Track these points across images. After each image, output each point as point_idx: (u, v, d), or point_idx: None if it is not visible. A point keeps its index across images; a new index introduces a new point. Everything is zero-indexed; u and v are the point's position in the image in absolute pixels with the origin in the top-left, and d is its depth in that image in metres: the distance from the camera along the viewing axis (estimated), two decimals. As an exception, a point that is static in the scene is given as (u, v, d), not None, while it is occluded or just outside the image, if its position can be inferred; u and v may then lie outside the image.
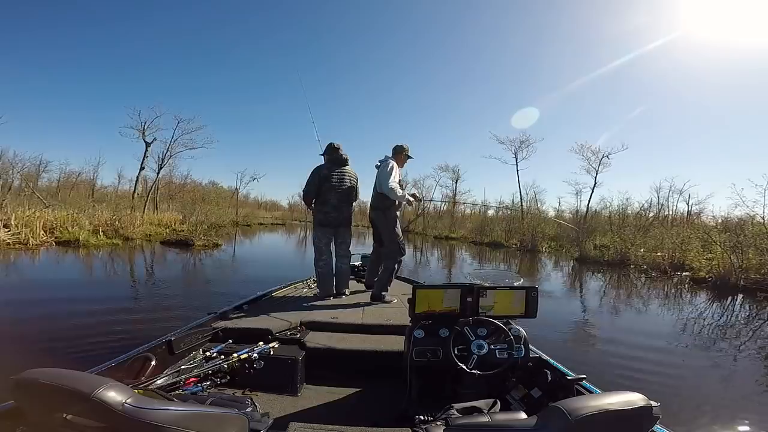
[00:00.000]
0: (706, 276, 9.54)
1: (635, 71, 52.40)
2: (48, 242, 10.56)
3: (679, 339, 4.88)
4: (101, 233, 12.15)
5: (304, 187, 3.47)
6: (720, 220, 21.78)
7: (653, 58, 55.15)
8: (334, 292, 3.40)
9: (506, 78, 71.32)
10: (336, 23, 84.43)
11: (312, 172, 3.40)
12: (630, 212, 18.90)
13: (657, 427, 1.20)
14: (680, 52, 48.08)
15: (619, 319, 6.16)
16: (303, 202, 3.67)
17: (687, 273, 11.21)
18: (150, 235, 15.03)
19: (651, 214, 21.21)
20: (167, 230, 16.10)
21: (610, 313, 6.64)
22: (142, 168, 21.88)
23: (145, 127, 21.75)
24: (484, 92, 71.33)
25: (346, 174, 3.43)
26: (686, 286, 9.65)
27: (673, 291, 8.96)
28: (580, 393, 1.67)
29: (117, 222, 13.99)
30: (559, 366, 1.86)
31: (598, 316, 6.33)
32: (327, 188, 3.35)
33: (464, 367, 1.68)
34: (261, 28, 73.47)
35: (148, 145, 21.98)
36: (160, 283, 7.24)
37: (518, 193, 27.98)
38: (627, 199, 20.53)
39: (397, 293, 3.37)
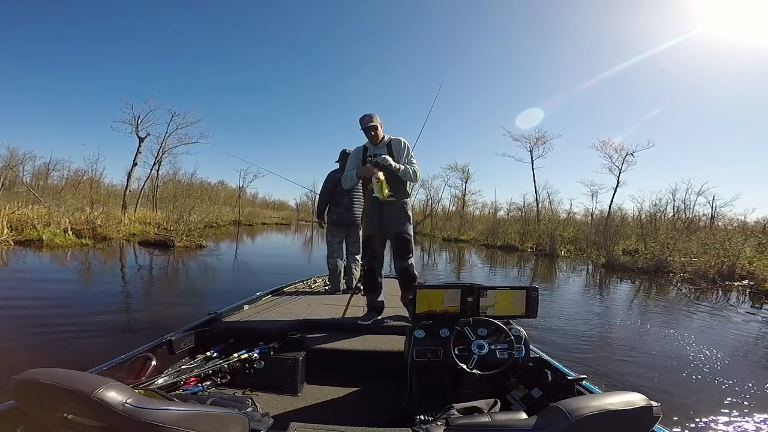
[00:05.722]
0: (775, 287, 7.90)
1: (650, 72, 50.23)
2: (6, 241, 9.40)
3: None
4: (70, 232, 10.94)
5: (320, 189, 3.81)
6: (736, 224, 19.91)
7: (671, 58, 52.83)
8: (344, 287, 3.67)
9: (516, 78, 69.58)
10: (343, 25, 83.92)
11: (326, 177, 3.74)
12: (664, 214, 17.09)
13: (657, 426, 1.13)
14: (699, 52, 45.76)
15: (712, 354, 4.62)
16: (312, 202, 4.07)
17: (740, 282, 9.56)
18: (134, 234, 13.90)
19: (670, 216, 19.39)
20: (156, 229, 14.96)
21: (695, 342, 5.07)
22: (135, 164, 20.90)
23: (139, 122, 20.81)
24: (492, 92, 69.72)
25: None
26: (748, 297, 8.04)
27: (749, 306, 7.28)
28: (580, 393, 1.63)
29: (97, 220, 12.89)
30: (560, 366, 1.82)
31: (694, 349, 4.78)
32: (339, 191, 3.60)
33: (464, 367, 1.65)
34: (268, 28, 73.18)
35: (141, 140, 21.04)
36: (88, 298, 5.53)
37: (532, 194, 26.38)
38: (660, 200, 18.67)
39: (398, 293, 3.28)
